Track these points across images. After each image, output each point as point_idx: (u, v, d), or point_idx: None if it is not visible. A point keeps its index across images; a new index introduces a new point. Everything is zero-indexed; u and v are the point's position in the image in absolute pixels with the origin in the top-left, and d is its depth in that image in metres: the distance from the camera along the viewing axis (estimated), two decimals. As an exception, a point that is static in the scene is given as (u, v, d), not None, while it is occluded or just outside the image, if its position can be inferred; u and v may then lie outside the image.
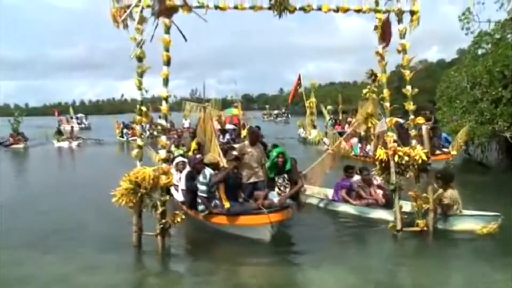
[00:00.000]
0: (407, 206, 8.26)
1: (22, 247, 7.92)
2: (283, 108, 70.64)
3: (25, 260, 7.35)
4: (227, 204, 8.01)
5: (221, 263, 7.26)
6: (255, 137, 9.13)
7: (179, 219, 7.53)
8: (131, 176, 7.20)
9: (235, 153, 8.69)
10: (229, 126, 22.13)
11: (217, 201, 8.19)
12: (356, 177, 10.05)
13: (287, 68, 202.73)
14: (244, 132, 17.05)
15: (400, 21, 8.02)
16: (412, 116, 8.11)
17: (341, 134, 16.74)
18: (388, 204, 9.07)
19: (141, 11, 7.18)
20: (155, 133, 27.33)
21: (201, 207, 8.39)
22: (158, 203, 7.34)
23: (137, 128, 8.08)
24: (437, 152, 14.32)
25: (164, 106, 7.46)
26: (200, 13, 7.33)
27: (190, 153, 12.06)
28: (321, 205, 10.40)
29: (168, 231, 7.52)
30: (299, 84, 28.91)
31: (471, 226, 8.01)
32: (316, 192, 10.80)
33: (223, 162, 9.50)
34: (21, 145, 29.49)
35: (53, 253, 7.62)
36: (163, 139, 7.54)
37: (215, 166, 8.64)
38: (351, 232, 8.69)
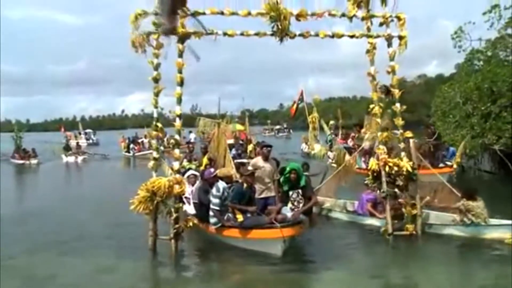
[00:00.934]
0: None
1: (48, 250, 8.73)
2: (284, 123, 71.27)
3: (51, 261, 8.15)
4: (240, 218, 8.11)
5: (232, 266, 7.92)
6: (268, 152, 9.18)
7: (191, 224, 8.34)
8: (148, 185, 8.02)
9: (250, 168, 8.74)
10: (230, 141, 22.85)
11: (230, 214, 8.34)
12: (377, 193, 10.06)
13: (287, 84, 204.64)
14: (250, 147, 17.48)
15: (389, 45, 8.90)
16: (401, 130, 8.95)
17: (345, 148, 17.23)
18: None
19: (158, 38, 8.08)
20: (161, 148, 28.26)
21: (213, 220, 8.44)
22: (172, 209, 8.14)
23: (153, 142, 8.89)
24: (441, 165, 14.81)
25: (177, 123, 8.31)
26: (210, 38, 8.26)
27: (202, 168, 11.82)
28: (345, 218, 10.56)
29: (181, 235, 8.31)
30: (300, 99, 29.27)
31: (500, 235, 8.31)
32: (336, 205, 11.04)
33: (237, 177, 9.85)
34: (34, 161, 29.36)
35: (76, 256, 8.40)
36: (176, 152, 8.39)
37: (228, 179, 8.79)
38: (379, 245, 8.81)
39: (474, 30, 20.65)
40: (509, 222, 8.37)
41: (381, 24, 8.92)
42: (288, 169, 8.65)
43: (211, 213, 8.45)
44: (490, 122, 15.37)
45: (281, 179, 8.84)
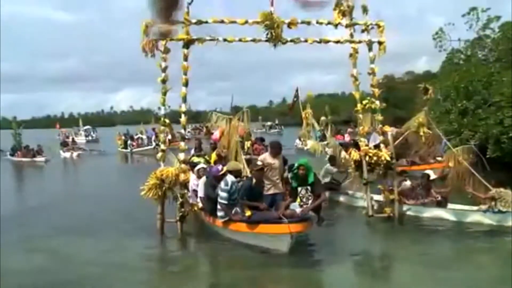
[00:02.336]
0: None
1: (65, 234, 9.75)
2: (276, 120, 72.04)
3: (69, 242, 9.18)
4: (248, 212, 8.15)
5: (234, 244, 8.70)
6: (278, 149, 9.28)
7: (196, 208, 9.44)
8: (157, 174, 9.09)
9: (260, 163, 8.71)
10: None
11: (238, 209, 8.37)
12: (408, 182, 10.76)
13: (276, 80, 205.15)
14: (248, 144, 17.66)
15: (370, 49, 10.04)
16: (380, 125, 10.12)
17: (342, 144, 17.83)
18: (439, 204, 10.11)
19: (166, 44, 9.15)
20: (159, 143, 29.15)
21: (220, 214, 8.47)
22: (178, 195, 9.25)
23: (161, 136, 9.98)
24: (431, 161, 15.52)
25: (182, 119, 9.43)
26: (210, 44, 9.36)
27: (211, 164, 11.63)
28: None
29: (185, 218, 9.41)
30: (296, 95, 29.45)
31: None
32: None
33: (247, 171, 10.03)
34: (41, 159, 28.58)
35: (91, 238, 9.40)
36: (182, 144, 9.49)
37: (237, 173, 8.80)
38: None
39: (454, 31, 21.97)
40: None
41: (363, 31, 10.06)
42: (296, 164, 8.45)
43: (218, 206, 8.46)
44: (467, 119, 16.57)
45: (290, 175, 8.82)
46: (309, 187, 8.29)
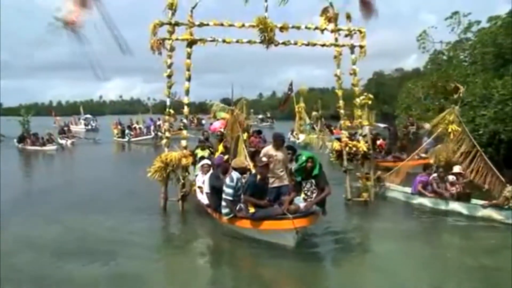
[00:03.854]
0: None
1: (76, 211, 10.96)
2: (268, 113, 72.90)
3: (81, 218, 10.29)
4: (252, 209, 8.27)
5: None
6: (281, 141, 9.29)
7: (195, 188, 10.71)
8: (162, 158, 10.35)
9: (265, 159, 8.53)
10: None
11: (242, 205, 8.37)
12: (434, 174, 11.34)
13: (266, 74, 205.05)
14: (244, 136, 17.43)
15: (352, 52, 11.32)
16: (360, 120, 11.44)
17: (338, 139, 18.58)
18: (460, 199, 10.49)
19: (171, 43, 10.36)
20: (159, 133, 30.17)
21: (225, 210, 8.48)
22: (180, 177, 10.52)
23: (166, 125, 11.19)
24: (415, 157, 16.83)
25: (185, 109, 10.70)
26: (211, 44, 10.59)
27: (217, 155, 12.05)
28: (403, 198, 11.87)
29: (186, 198, 10.68)
30: (290, 89, 29.91)
31: None
32: (398, 188, 12.23)
33: (250, 166, 10.37)
34: (52, 147, 28.41)
35: (100, 215, 10.53)
36: (184, 132, 10.76)
37: (242, 170, 8.87)
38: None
39: (438, 33, 23.36)
40: None
41: (346, 36, 11.33)
42: (304, 158, 8.15)
43: (223, 203, 8.48)
44: (443, 115, 17.94)
45: (294, 168, 8.54)
46: (313, 181, 8.17)
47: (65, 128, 38.13)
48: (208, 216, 9.76)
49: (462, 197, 10.47)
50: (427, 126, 13.63)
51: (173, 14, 10.35)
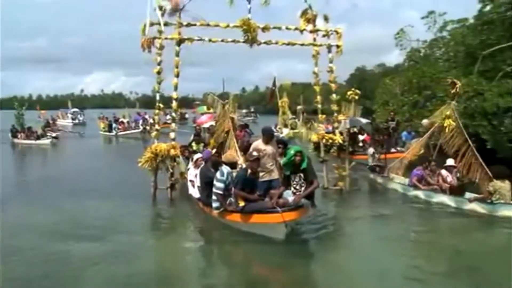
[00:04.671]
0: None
1: (73, 197, 11.78)
2: (252, 107, 73.69)
3: (78, 204, 11.12)
4: (241, 203, 8.37)
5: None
6: (270, 135, 9.43)
7: (185, 176, 11.51)
8: (152, 149, 11.11)
9: (255, 153, 8.55)
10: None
11: (232, 199, 8.55)
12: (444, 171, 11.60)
13: (249, 68, 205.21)
14: None
15: (329, 51, 12.18)
16: (336, 114, 12.34)
17: (327, 133, 19.12)
18: (453, 192, 10.90)
19: (160, 42, 11.09)
20: (147, 127, 30.75)
21: (215, 204, 8.67)
22: (169, 166, 11.31)
23: (156, 118, 11.95)
24: (392, 150, 17.20)
25: (174, 104, 11.45)
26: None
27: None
28: (401, 190, 12.56)
29: (174, 186, 11.47)
30: (274, 84, 30.28)
31: (508, 213, 9.45)
32: (401, 180, 12.98)
33: (240, 160, 10.53)
34: (46, 141, 28.29)
35: (96, 200, 11.40)
36: (173, 125, 11.54)
37: (232, 165, 9.02)
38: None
39: (416, 31, 24.42)
40: None
41: (324, 36, 12.18)
42: (292, 152, 8.30)
43: (213, 197, 8.67)
44: (417, 110, 18.98)
45: (283, 162, 8.66)
46: (302, 174, 8.31)
47: (50, 122, 38.33)
48: (200, 210, 10.20)
49: (456, 191, 10.86)
50: (425, 122, 13.74)
51: (162, 15, 11.06)
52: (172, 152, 11.24)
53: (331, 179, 12.42)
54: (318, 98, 12.38)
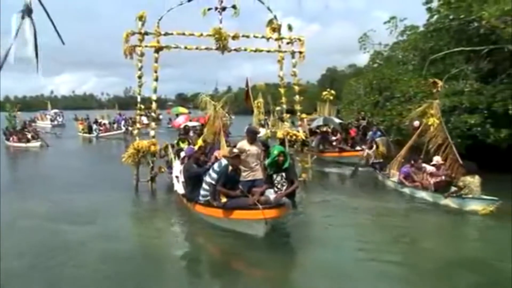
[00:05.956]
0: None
1: (63, 192, 12.96)
2: (226, 108, 74.24)
3: (68, 197, 12.28)
4: (223, 199, 8.54)
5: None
6: (254, 135, 9.77)
7: (163, 170, 12.82)
8: (135, 145, 12.38)
9: (236, 150, 8.89)
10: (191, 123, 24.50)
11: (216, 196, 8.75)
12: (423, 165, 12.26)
13: (222, 68, 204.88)
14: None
15: (293, 57, 13.62)
16: (299, 113, 13.82)
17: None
18: (436, 190, 11.28)
19: (141, 49, 12.35)
20: (129, 128, 31.49)
21: (203, 192, 8.93)
22: (150, 161, 12.61)
23: (138, 118, 13.19)
24: (358, 148, 18.91)
25: (154, 105, 12.81)
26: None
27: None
28: (393, 186, 13.25)
29: (154, 179, 12.76)
30: (247, 85, 29.41)
31: (475, 207, 10.01)
32: (392, 178, 13.57)
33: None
34: (36, 144, 27.48)
35: (83, 193, 12.56)
36: (153, 124, 12.89)
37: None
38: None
39: (380, 35, 26.03)
40: (488, 197, 10.10)
41: (288, 43, 13.61)
42: (276, 152, 8.56)
43: (205, 186, 8.89)
44: (377, 110, 20.60)
45: (267, 163, 8.85)
46: (283, 174, 8.52)
47: (26, 123, 37.91)
48: (184, 205, 10.59)
49: (443, 187, 11.22)
50: (416, 123, 13.81)
51: (142, 25, 12.33)
52: (152, 148, 12.52)
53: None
54: (283, 99, 13.83)
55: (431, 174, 11.84)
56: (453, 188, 10.85)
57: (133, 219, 10.59)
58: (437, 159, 11.99)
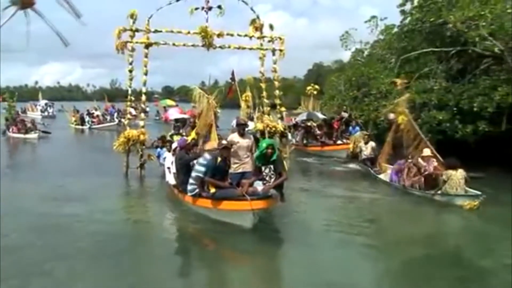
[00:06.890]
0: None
1: (55, 178, 13.90)
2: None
3: (59, 182, 13.25)
4: (212, 189, 8.60)
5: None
6: (243, 128, 9.84)
7: (152, 158, 13.82)
8: (125, 134, 13.36)
9: (224, 142, 9.01)
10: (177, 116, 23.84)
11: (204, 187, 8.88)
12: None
13: (208, 61, 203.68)
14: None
15: (273, 54, 14.62)
16: (279, 107, 14.87)
17: (289, 126, 21.07)
18: (428, 183, 11.38)
19: (132, 45, 13.28)
20: (122, 120, 31.64)
21: (191, 187, 8.95)
22: (139, 149, 13.60)
23: (129, 109, 14.20)
24: (339, 142, 20.11)
25: (143, 97, 13.78)
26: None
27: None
28: (386, 179, 13.41)
29: (143, 166, 13.76)
30: (231, 79, 31.86)
31: (461, 202, 10.15)
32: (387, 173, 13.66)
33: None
34: (34, 135, 26.87)
35: (76, 179, 13.51)
36: (142, 115, 13.89)
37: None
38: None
39: (361, 33, 27.13)
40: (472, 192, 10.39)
41: (269, 41, 14.61)
42: (264, 145, 8.72)
43: (191, 180, 8.95)
44: (356, 105, 21.74)
45: (255, 155, 9.03)
46: (272, 166, 8.62)
47: (20, 113, 38.03)
48: (174, 196, 10.85)
49: (431, 181, 11.32)
50: (392, 116, 14.01)
51: (133, 22, 13.24)
52: (141, 137, 13.50)
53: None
54: (264, 93, 14.89)
55: (420, 170, 11.82)
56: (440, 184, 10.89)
57: (123, 200, 11.79)
58: (426, 152, 11.85)
